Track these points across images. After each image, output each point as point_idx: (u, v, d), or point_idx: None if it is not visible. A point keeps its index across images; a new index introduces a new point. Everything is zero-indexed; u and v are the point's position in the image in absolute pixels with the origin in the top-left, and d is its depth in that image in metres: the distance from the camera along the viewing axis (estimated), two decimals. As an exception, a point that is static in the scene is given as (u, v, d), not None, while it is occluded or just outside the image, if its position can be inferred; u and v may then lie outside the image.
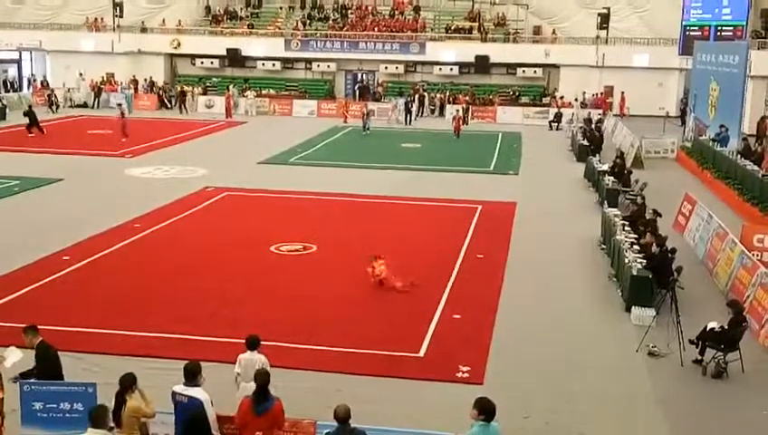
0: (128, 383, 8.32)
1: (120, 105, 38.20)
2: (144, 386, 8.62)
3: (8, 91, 48.31)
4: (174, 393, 8.61)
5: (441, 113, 45.46)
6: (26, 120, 36.06)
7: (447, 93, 47.77)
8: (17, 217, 21.19)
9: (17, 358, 9.56)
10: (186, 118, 44.43)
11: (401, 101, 45.05)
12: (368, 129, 38.95)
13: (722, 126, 29.40)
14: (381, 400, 10.94)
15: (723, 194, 24.79)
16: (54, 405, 8.88)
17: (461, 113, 40.14)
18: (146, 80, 50.45)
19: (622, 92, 46.01)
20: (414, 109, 44.91)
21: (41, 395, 8.88)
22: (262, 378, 8.43)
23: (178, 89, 48.90)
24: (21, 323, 12.14)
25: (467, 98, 46.66)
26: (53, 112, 44.50)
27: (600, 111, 42.71)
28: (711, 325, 12.53)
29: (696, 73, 36.23)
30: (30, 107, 37.96)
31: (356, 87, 50.38)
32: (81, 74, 49.58)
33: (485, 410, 7.80)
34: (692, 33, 40.91)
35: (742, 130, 30.19)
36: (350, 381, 11.56)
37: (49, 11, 52.99)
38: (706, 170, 27.76)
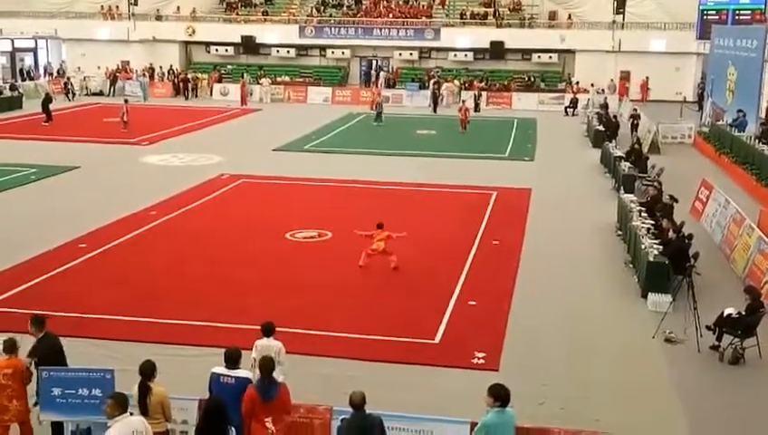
0: (149, 371, 8.35)
1: (126, 101, 37.97)
2: (160, 372, 8.64)
3: (25, 80, 48.57)
4: (218, 375, 8.66)
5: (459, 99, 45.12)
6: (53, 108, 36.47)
7: (462, 80, 47.54)
8: (34, 205, 21.32)
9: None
10: (190, 104, 44.48)
11: (448, 85, 44.85)
12: (381, 120, 37.92)
13: (739, 111, 29.18)
14: (397, 386, 10.95)
15: (740, 179, 24.61)
16: (73, 391, 8.94)
17: (468, 103, 39.17)
18: (161, 67, 50.57)
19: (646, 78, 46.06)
20: (445, 95, 44.36)
21: (59, 381, 8.95)
22: (267, 366, 8.39)
23: (182, 76, 49.22)
24: (38, 310, 12.26)
25: (482, 84, 46.44)
26: (69, 100, 44.75)
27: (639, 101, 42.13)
28: (728, 311, 12.47)
29: (713, 58, 35.91)
30: (47, 95, 38.14)
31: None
32: (63, 61, 50.22)
33: (500, 396, 7.81)
34: (709, 18, 40.55)
35: (760, 114, 29.93)
36: (366, 368, 11.59)
37: (64, -1, 53.24)
38: (724, 155, 27.55)
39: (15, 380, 8.95)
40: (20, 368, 9.01)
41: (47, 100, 36.68)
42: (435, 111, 42.75)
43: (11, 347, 9.06)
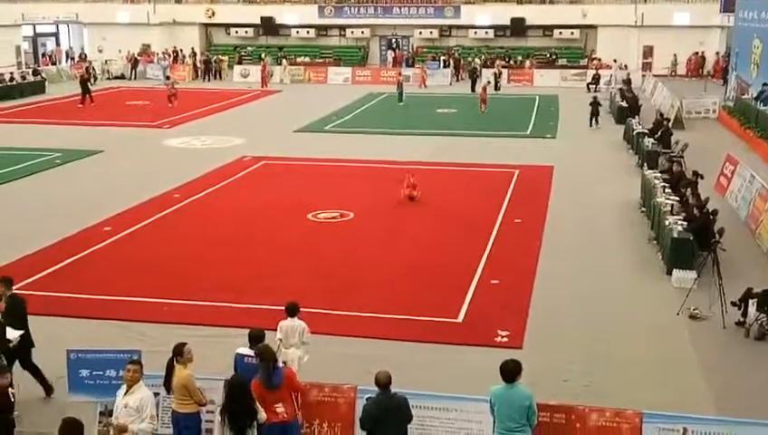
0: (176, 350, 8.42)
1: (168, 78, 38.56)
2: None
3: (47, 65, 48.85)
4: (242, 356, 8.79)
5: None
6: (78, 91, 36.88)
7: (483, 57, 47.11)
8: (59, 188, 21.52)
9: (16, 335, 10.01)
10: (211, 86, 44.59)
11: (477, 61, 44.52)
12: (402, 99, 37.72)
13: (765, 84, 28.76)
14: (420, 365, 10.98)
15: (766, 153, 24.31)
16: (101, 372, 9.08)
17: (489, 81, 38.54)
18: (181, 50, 50.59)
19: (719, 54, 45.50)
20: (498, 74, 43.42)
21: (87, 363, 9.09)
22: (268, 353, 8.36)
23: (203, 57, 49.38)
24: (65, 293, 12.44)
25: (503, 61, 45.96)
26: (91, 84, 44.88)
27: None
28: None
29: (738, 31, 35.38)
30: (83, 77, 38.54)
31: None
32: (82, 48, 51.47)
33: (502, 371, 7.89)
34: (734, -11, 39.86)
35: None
36: (389, 347, 11.63)
37: (85, -17, 53.33)
38: (749, 130, 27.22)
39: None
40: None
41: (85, 80, 37.04)
42: (473, 90, 41.03)
43: None
